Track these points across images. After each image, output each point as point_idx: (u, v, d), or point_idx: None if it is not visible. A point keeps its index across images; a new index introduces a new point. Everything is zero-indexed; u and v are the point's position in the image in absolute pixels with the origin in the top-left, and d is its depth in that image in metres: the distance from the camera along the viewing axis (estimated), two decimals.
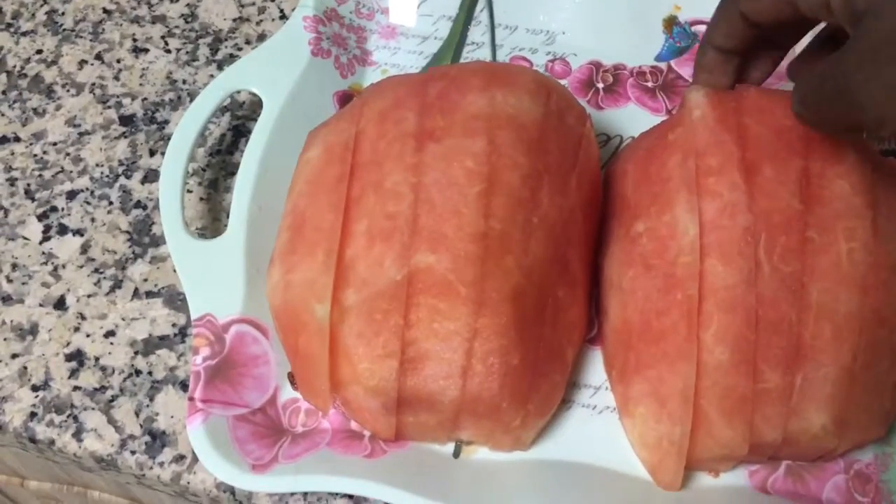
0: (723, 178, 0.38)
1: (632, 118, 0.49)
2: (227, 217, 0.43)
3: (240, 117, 0.50)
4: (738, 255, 0.36)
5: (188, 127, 0.45)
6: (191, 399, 0.38)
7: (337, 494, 0.39)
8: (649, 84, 0.50)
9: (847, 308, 0.36)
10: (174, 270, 0.43)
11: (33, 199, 0.47)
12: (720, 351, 0.36)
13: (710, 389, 0.36)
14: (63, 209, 0.47)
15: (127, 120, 0.50)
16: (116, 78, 0.51)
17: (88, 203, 0.47)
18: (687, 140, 0.40)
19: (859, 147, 0.39)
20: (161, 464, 0.40)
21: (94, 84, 0.51)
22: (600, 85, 0.51)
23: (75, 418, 0.41)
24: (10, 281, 0.45)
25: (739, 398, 0.36)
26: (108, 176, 0.48)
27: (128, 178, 0.48)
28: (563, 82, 0.50)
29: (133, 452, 0.40)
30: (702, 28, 0.51)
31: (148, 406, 0.41)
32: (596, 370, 0.42)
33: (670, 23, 0.52)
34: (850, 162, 0.38)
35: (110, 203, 0.47)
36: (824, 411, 0.36)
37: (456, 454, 0.40)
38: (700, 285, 0.36)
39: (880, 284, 0.36)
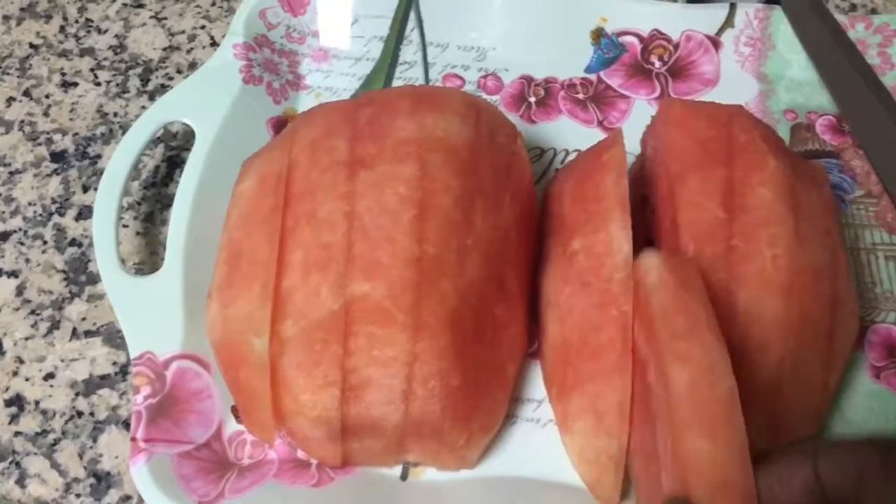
0: (693, 340, 0.32)
1: (564, 131, 0.50)
2: (165, 251, 0.42)
3: (174, 148, 0.50)
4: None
5: (120, 162, 0.44)
6: (133, 440, 0.38)
7: None
8: (580, 96, 0.51)
9: (772, 314, 0.37)
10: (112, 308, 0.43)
11: None
12: None
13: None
14: None
15: (58, 156, 0.49)
16: (46, 114, 0.51)
17: (22, 243, 0.46)
18: (620, 160, 0.40)
19: (780, 153, 0.40)
20: None
21: (23, 121, 0.51)
22: (532, 99, 0.51)
23: (17, 464, 0.40)
24: None
25: None
26: (41, 215, 0.47)
27: (61, 215, 0.47)
28: (495, 98, 0.51)
29: (78, 496, 0.40)
30: (629, 39, 0.52)
31: (91, 448, 0.41)
32: (538, 384, 0.42)
33: (598, 34, 0.53)
34: (771, 169, 0.39)
35: (45, 242, 0.46)
36: (755, 415, 0.36)
37: (404, 476, 0.40)
38: None
39: (804, 288, 0.37)
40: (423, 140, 0.40)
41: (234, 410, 0.40)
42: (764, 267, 0.37)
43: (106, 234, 0.42)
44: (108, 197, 0.43)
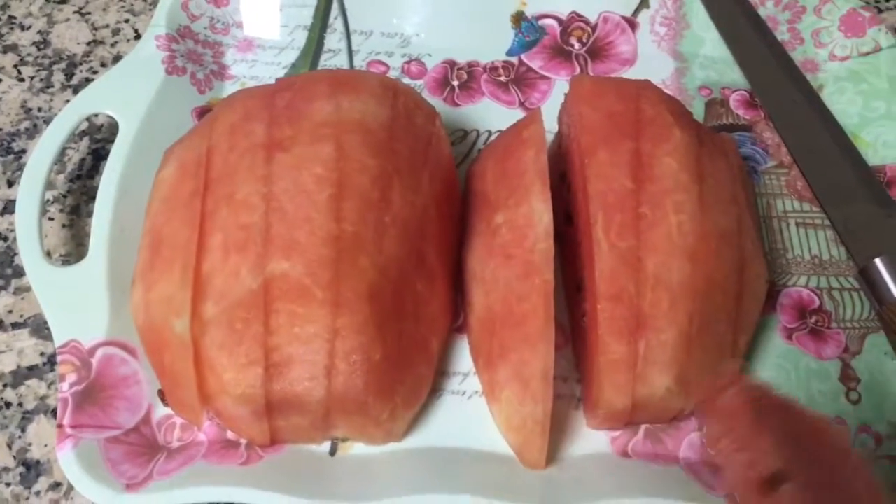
0: None
1: (487, 112, 0.51)
2: None
3: (99, 140, 0.50)
4: None
5: (43, 154, 0.44)
6: (60, 426, 0.38)
7: None
8: (502, 78, 0.52)
9: (680, 277, 0.38)
10: None
11: None
12: None
13: None
14: None
15: None
16: None
17: None
18: (539, 137, 0.41)
19: (686, 125, 0.42)
20: (37, 493, 0.40)
21: None
22: (455, 83, 0.52)
23: None
24: None
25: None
26: None
27: None
28: (419, 83, 0.52)
29: (8, 484, 0.40)
30: (548, 21, 0.54)
31: (20, 437, 0.41)
32: (463, 357, 0.43)
33: (518, 18, 0.54)
34: (676, 140, 0.41)
35: None
36: (667, 374, 0.38)
37: (332, 452, 0.41)
38: None
39: (710, 252, 0.39)
40: (340, 122, 0.40)
41: (161, 395, 0.41)
42: (670, 232, 0.39)
43: (29, 224, 0.42)
44: (30, 188, 0.43)
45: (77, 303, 0.41)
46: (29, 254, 0.42)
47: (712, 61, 0.54)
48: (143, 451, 0.39)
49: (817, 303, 0.46)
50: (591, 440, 0.41)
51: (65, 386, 0.39)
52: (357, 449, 0.41)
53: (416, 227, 0.41)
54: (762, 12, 0.53)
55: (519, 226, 0.41)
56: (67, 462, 0.37)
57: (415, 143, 0.43)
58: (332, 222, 0.38)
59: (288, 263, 0.37)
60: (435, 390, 0.42)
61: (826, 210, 0.47)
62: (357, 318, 0.37)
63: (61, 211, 0.47)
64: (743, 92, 0.52)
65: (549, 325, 0.38)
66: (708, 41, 0.54)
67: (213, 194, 0.40)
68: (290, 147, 0.40)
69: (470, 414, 0.42)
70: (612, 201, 0.39)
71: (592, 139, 0.41)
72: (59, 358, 0.39)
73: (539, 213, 0.40)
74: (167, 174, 0.42)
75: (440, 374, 0.43)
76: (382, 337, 0.38)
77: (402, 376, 0.39)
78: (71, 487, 0.39)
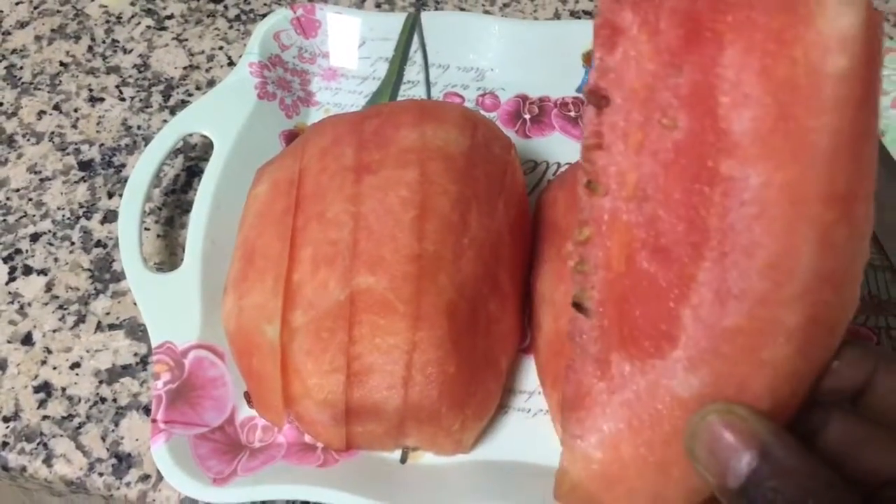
0: None
1: (557, 145, 0.54)
2: (183, 252, 0.46)
3: (193, 158, 0.53)
4: None
5: (144, 169, 0.48)
6: (153, 421, 0.41)
7: (294, 502, 0.41)
8: (572, 114, 0.55)
9: None
10: (134, 304, 0.46)
11: None
12: None
13: None
14: (27, 251, 0.50)
15: (85, 165, 0.53)
16: (74, 126, 0.55)
17: (51, 244, 0.50)
18: None
19: None
20: (128, 484, 0.42)
21: (52, 133, 0.54)
22: (527, 116, 0.55)
23: (45, 445, 0.43)
24: None
25: None
26: (69, 218, 0.51)
27: (88, 219, 0.51)
28: (492, 115, 0.55)
29: (101, 475, 0.43)
30: None
31: (113, 431, 0.44)
32: (530, 377, 0.46)
33: (589, 57, 0.56)
34: None
35: (72, 243, 0.50)
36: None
37: (403, 460, 0.43)
38: None
39: None
40: (424, 149, 0.43)
41: (247, 396, 0.43)
42: None
43: (130, 234, 0.46)
44: (132, 200, 0.47)
45: (172, 307, 0.44)
46: (130, 261, 0.45)
47: None
48: (227, 448, 0.42)
49: (875, 341, 0.47)
50: None
51: (159, 384, 0.42)
52: (426, 458, 0.43)
53: (491, 250, 0.43)
54: None
55: None
56: (160, 455, 0.40)
57: (492, 170, 0.45)
58: (415, 241, 0.41)
59: (373, 278, 0.40)
60: (502, 406, 0.44)
61: (886, 250, 0.49)
62: (435, 332, 0.40)
63: (156, 222, 0.51)
64: None
65: None
66: None
67: (304, 212, 0.43)
68: (378, 170, 0.43)
69: (535, 431, 0.44)
70: None
71: None
72: (154, 357, 0.42)
73: None
74: (260, 192, 0.45)
75: (507, 391, 0.45)
76: (457, 352, 0.40)
77: (474, 390, 0.41)
78: (159, 479, 0.42)
